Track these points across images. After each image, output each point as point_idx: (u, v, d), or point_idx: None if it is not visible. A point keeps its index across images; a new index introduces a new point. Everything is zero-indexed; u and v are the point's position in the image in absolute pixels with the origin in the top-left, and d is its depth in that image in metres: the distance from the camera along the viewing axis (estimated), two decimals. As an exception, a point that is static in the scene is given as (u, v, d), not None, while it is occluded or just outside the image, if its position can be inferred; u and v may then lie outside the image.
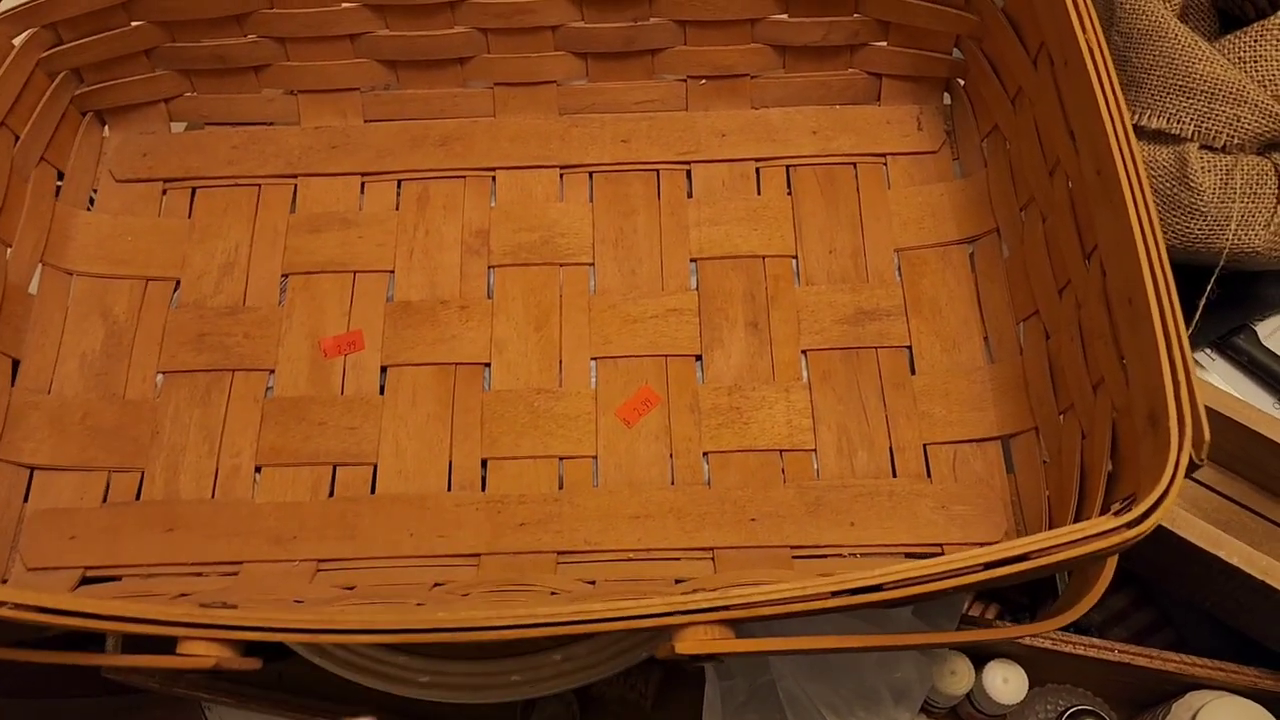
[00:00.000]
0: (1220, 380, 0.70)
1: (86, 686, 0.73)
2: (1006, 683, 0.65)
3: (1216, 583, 0.60)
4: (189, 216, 0.67)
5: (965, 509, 0.57)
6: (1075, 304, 0.54)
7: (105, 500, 0.59)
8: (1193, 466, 0.43)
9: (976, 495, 0.57)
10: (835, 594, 0.42)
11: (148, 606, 0.41)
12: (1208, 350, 0.71)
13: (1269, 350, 0.69)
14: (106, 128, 0.69)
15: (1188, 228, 0.63)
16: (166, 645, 0.44)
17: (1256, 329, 0.70)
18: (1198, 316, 0.63)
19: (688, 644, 0.41)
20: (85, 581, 0.56)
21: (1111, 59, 0.52)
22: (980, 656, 0.66)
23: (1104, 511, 0.45)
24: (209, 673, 0.69)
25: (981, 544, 0.53)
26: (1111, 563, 0.48)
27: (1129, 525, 0.42)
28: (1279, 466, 0.63)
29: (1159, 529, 0.59)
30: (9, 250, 0.61)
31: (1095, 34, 0.52)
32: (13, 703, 0.69)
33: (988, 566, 0.41)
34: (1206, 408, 0.63)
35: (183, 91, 0.68)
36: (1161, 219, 0.63)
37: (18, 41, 0.61)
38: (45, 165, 0.64)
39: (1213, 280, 0.61)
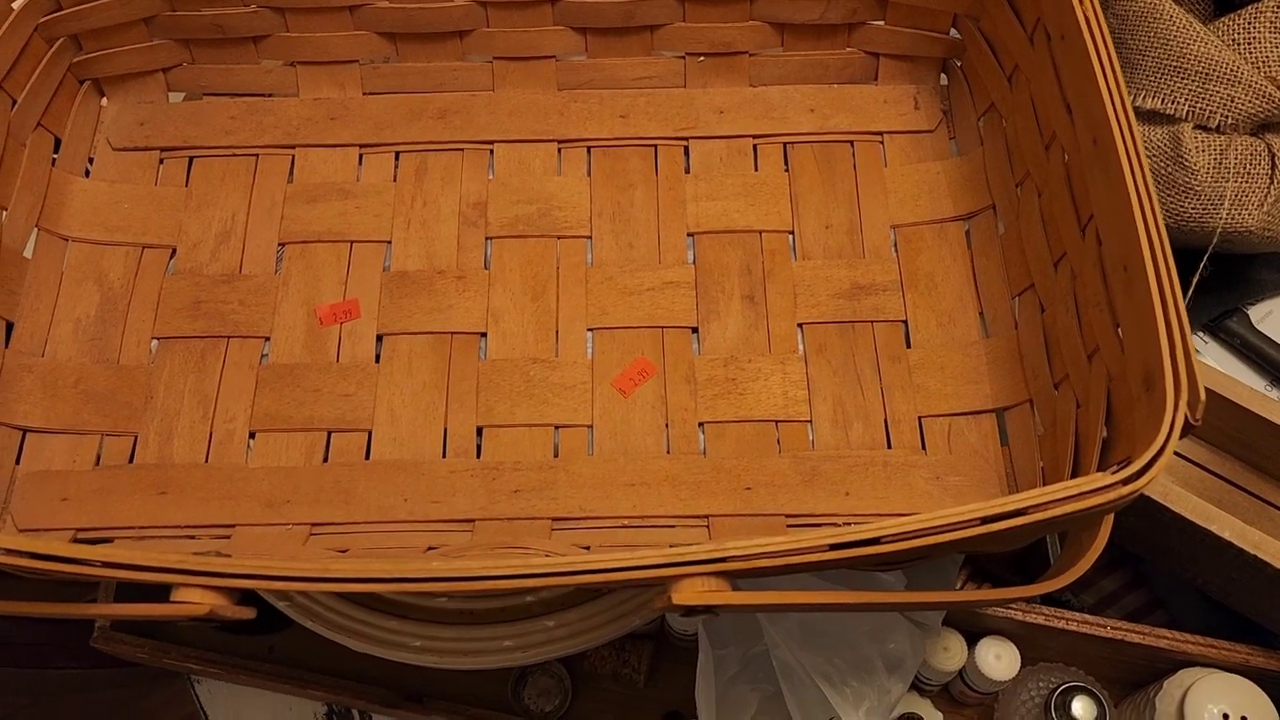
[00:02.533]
0: (1213, 363, 0.71)
1: (77, 658, 0.72)
2: (999, 660, 0.65)
3: (1208, 559, 0.61)
4: (186, 185, 0.66)
5: (960, 480, 0.57)
6: (1070, 275, 0.55)
7: (98, 463, 0.58)
8: (1188, 427, 0.43)
9: (971, 467, 0.57)
10: (833, 547, 0.42)
11: (142, 553, 0.41)
12: (1200, 334, 0.71)
13: (1261, 334, 0.70)
14: (104, 96, 0.68)
15: (1182, 207, 0.63)
16: (157, 599, 0.44)
17: (1249, 313, 0.71)
18: (1189, 297, 0.63)
19: (684, 594, 0.41)
20: (77, 543, 0.56)
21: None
22: (973, 634, 0.66)
23: (1099, 474, 0.46)
24: (200, 644, 0.70)
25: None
26: (1106, 528, 0.48)
27: (1124, 482, 0.42)
28: (1271, 445, 0.64)
29: (1153, 505, 0.59)
30: (4, 214, 0.61)
31: (1092, 5, 0.52)
32: (3, 672, 0.69)
33: (984, 521, 0.42)
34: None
35: (181, 61, 0.68)
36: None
37: (16, 5, 0.61)
38: (42, 131, 0.64)
39: (1206, 257, 0.62)
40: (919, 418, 0.59)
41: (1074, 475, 0.52)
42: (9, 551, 0.42)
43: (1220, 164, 0.62)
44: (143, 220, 0.65)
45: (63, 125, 0.65)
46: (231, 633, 0.71)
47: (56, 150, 0.65)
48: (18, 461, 0.58)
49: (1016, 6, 0.60)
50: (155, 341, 0.62)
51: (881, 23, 0.67)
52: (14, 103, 0.62)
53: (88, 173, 0.66)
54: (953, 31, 0.67)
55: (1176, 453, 0.67)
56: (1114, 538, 0.68)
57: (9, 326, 0.60)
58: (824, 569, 0.47)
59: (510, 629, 0.56)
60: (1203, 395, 0.43)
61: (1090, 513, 0.42)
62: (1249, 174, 0.62)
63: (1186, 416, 0.43)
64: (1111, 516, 0.47)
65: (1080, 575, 0.48)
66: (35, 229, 0.63)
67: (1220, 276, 0.69)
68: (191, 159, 0.67)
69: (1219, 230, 0.62)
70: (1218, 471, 0.67)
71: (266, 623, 0.73)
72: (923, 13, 0.66)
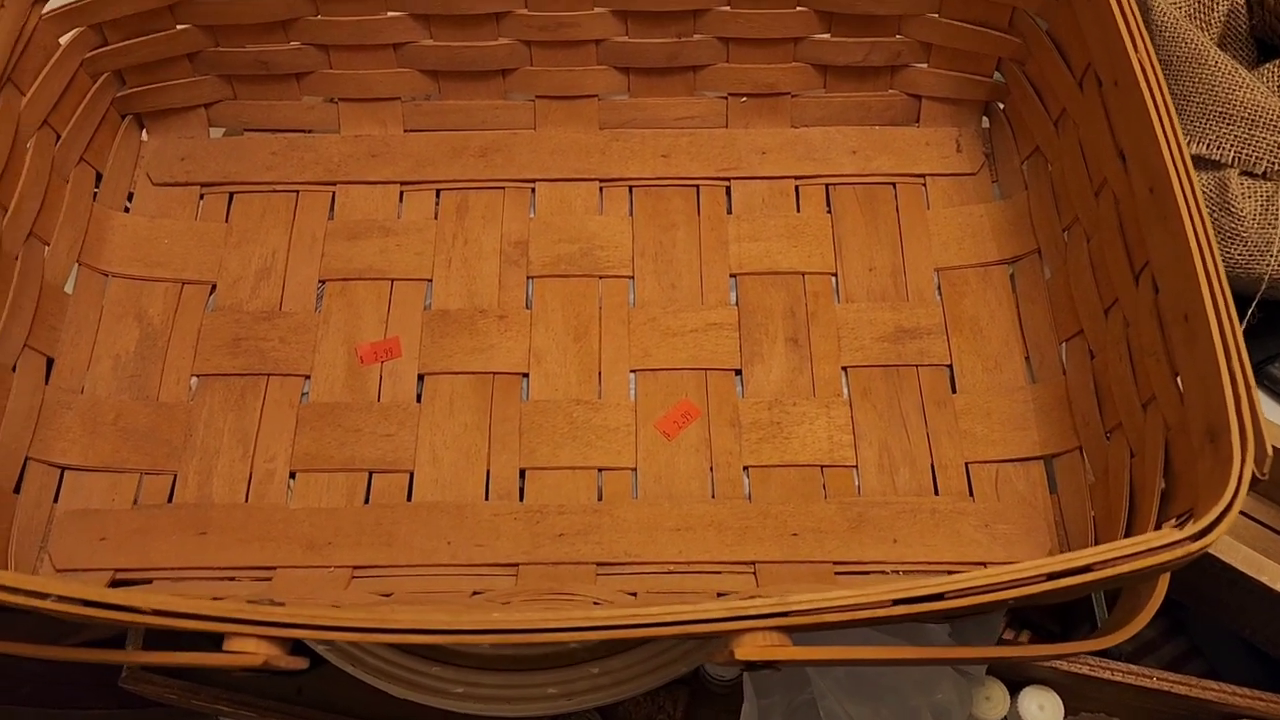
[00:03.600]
0: (1255, 409, 0.70)
1: (103, 698, 0.71)
2: (1042, 710, 0.64)
3: (1257, 609, 0.60)
4: (226, 221, 0.66)
5: (1008, 528, 0.56)
6: (1123, 323, 0.54)
7: (136, 502, 0.58)
8: (1254, 481, 0.43)
9: (1020, 515, 0.57)
10: (896, 602, 0.41)
11: (197, 602, 0.41)
12: (1241, 379, 0.71)
13: (1303, 380, 0.69)
14: (145, 131, 0.68)
15: (1228, 253, 0.63)
16: (192, 645, 0.44)
17: (1290, 358, 0.70)
18: (1236, 342, 0.63)
19: (747, 650, 0.40)
20: (116, 584, 0.55)
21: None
22: (1016, 683, 0.65)
23: (1159, 528, 0.45)
24: (230, 685, 0.69)
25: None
26: (1164, 582, 0.48)
27: (1193, 538, 0.41)
28: (1318, 494, 0.63)
29: (1204, 555, 0.59)
30: (46, 249, 0.60)
31: (1147, 52, 0.52)
32: (30, 711, 0.68)
33: (1051, 577, 0.41)
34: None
35: (223, 97, 0.68)
36: (1201, 244, 0.63)
37: (64, 40, 0.61)
38: (84, 166, 0.64)
39: (1254, 304, 0.61)
40: (966, 464, 0.58)
41: (1130, 526, 0.51)
42: (59, 598, 0.41)
43: (1267, 210, 0.62)
44: (183, 256, 0.65)
45: (104, 160, 0.65)
46: (262, 674, 0.70)
47: (97, 185, 0.65)
48: (56, 499, 0.57)
49: (1065, 51, 0.60)
50: (195, 379, 0.61)
51: (924, 66, 0.68)
52: (58, 137, 0.62)
53: (128, 207, 0.66)
54: (996, 75, 0.67)
55: (1221, 500, 0.67)
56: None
57: (49, 362, 0.60)
58: (886, 624, 0.46)
59: (555, 675, 0.55)
60: (1269, 450, 0.43)
61: (1158, 569, 0.42)
62: (1296, 221, 0.62)
63: (1254, 471, 0.43)
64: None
65: (1139, 628, 0.48)
66: (76, 264, 0.62)
67: (1264, 322, 0.69)
68: (232, 194, 0.67)
69: (1266, 277, 0.62)
70: (1263, 520, 0.66)
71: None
72: (966, 56, 0.66)
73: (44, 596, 0.41)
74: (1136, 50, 0.53)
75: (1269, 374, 0.69)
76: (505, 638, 0.41)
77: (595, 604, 0.50)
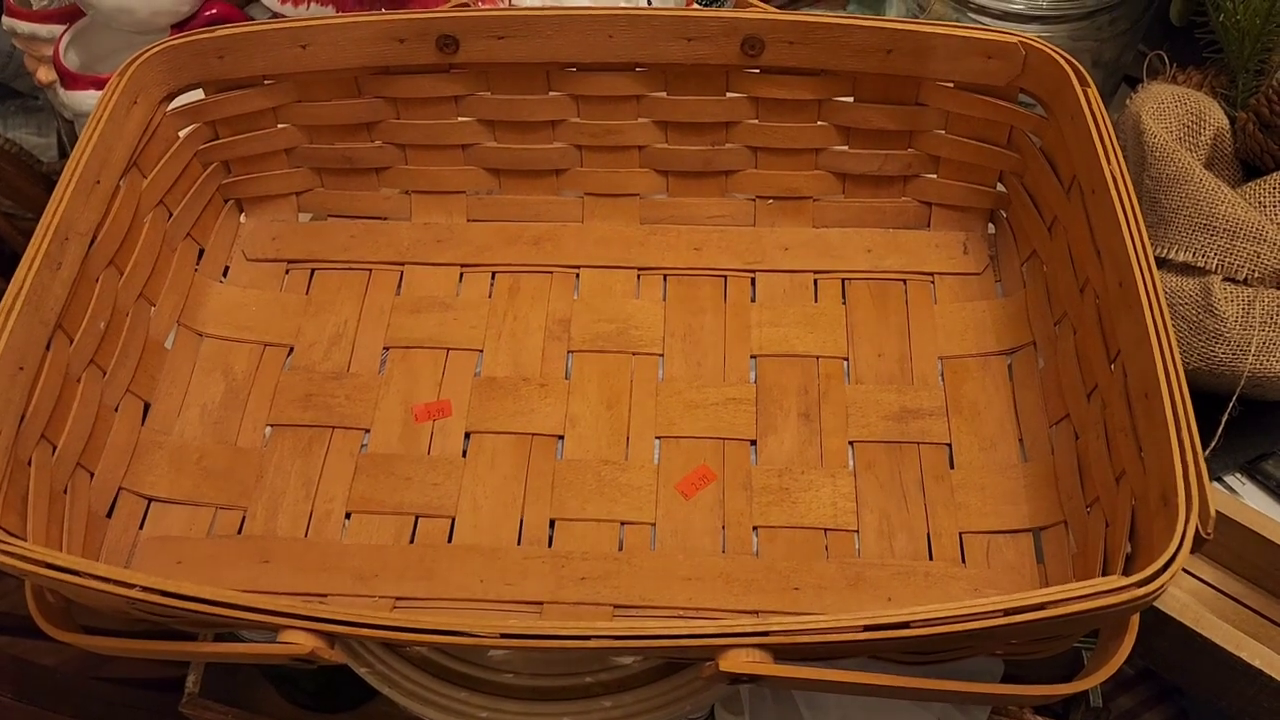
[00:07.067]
0: (1251, 503, 0.74)
1: (164, 721, 0.77)
2: (1036, 779, 0.67)
3: (1240, 687, 0.63)
4: (306, 293, 0.75)
5: (996, 593, 0.60)
6: (1101, 405, 0.59)
7: (210, 532, 0.65)
8: (1200, 541, 0.48)
9: (1008, 581, 0.61)
10: (867, 628, 0.47)
11: (258, 597, 0.48)
12: (1238, 475, 0.75)
13: (1297, 477, 0.73)
14: (243, 214, 0.78)
15: (1212, 351, 0.68)
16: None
17: (1285, 456, 0.74)
18: (1220, 436, 0.67)
19: (730, 662, 0.46)
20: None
21: (1137, 194, 0.59)
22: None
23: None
24: (281, 717, 0.74)
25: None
26: (1130, 637, 0.51)
27: (1137, 584, 0.46)
28: (1305, 583, 0.66)
29: (1186, 631, 0.62)
30: (152, 309, 0.69)
31: (1118, 164, 0.59)
32: (96, 728, 0.74)
33: (1008, 613, 0.46)
34: (1237, 523, 0.67)
35: (312, 186, 0.78)
36: (1188, 343, 0.69)
37: (182, 134, 0.71)
38: (190, 241, 0.73)
39: (1234, 398, 0.66)
40: (959, 533, 0.63)
41: (1101, 588, 0.55)
42: (144, 589, 0.48)
43: (1248, 314, 0.67)
44: (267, 322, 0.73)
45: (207, 236, 0.75)
46: (308, 709, 0.76)
47: (199, 257, 0.74)
48: (141, 526, 0.65)
49: (1055, 165, 0.67)
50: (269, 428, 0.69)
51: (934, 176, 0.75)
52: (170, 215, 0.71)
53: (223, 279, 0.75)
54: (999, 185, 0.74)
55: (1213, 585, 0.70)
56: (1153, 666, 0.70)
57: (146, 407, 0.68)
58: (859, 653, 0.51)
59: (571, 706, 0.60)
60: (1213, 511, 0.47)
61: (1106, 611, 0.46)
62: (1274, 325, 0.67)
63: (1198, 530, 0.47)
64: (1136, 623, 0.51)
65: (1107, 676, 0.52)
66: (176, 325, 0.71)
67: (1257, 422, 0.73)
68: (313, 271, 0.76)
69: (1246, 373, 0.66)
70: (1253, 606, 0.69)
71: (339, 700, 0.78)
72: (972, 168, 0.73)
73: (130, 586, 0.48)
74: (1109, 163, 0.59)
75: (1262, 469, 0.73)
76: (516, 642, 0.46)
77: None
